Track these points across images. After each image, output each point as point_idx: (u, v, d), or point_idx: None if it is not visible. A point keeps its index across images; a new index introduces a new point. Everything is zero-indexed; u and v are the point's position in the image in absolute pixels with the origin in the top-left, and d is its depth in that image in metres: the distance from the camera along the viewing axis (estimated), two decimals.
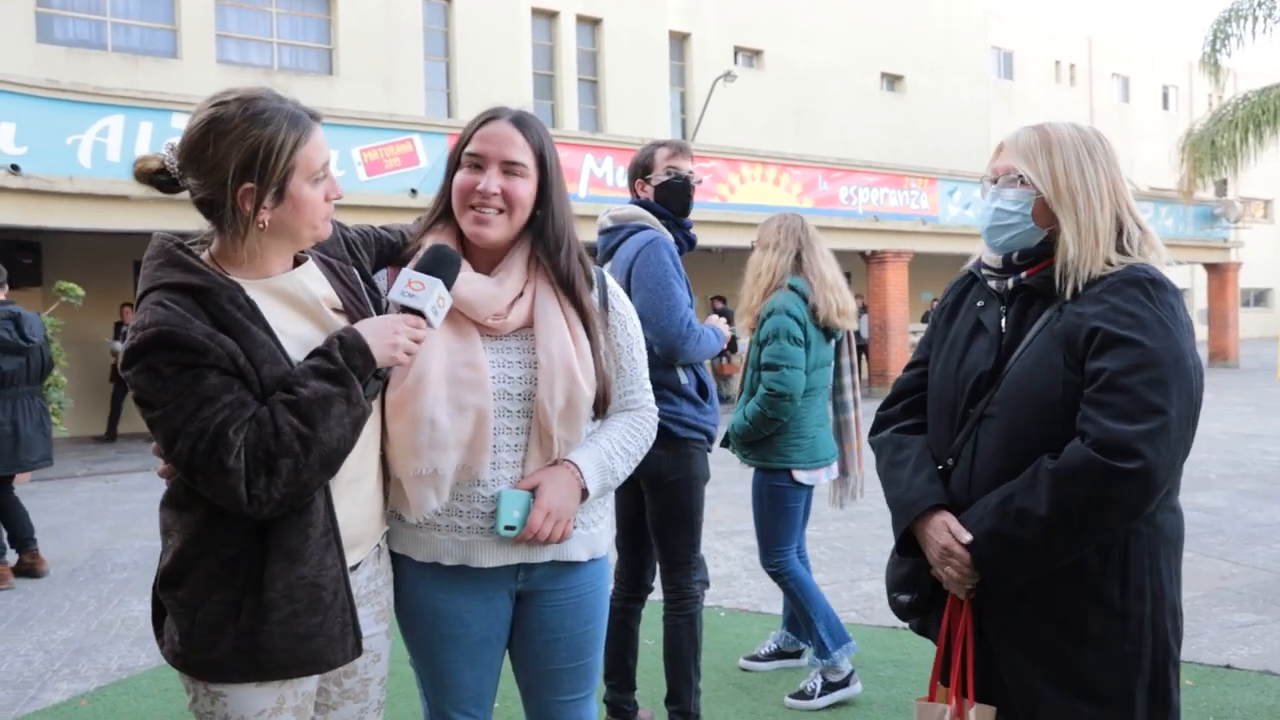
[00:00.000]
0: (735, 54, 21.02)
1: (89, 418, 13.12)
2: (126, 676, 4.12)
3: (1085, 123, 1.86)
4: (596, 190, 13.85)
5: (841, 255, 3.54)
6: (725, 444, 3.73)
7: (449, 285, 1.74)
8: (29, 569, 5.86)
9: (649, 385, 2.08)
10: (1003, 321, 1.85)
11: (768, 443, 3.59)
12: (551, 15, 18.83)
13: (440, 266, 1.74)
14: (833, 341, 3.71)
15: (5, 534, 5.82)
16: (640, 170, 3.28)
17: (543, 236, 1.90)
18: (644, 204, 3.23)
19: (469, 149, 1.87)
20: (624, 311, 2.04)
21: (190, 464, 1.52)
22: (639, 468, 2.85)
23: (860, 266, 18.02)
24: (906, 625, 2.05)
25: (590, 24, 19.40)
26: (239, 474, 1.51)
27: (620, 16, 19.40)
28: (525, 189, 1.86)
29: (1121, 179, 1.83)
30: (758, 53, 21.36)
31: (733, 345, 15.54)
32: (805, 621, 3.63)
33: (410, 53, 16.94)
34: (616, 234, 3.15)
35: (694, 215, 3.36)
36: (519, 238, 1.90)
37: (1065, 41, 33.01)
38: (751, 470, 3.73)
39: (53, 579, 5.86)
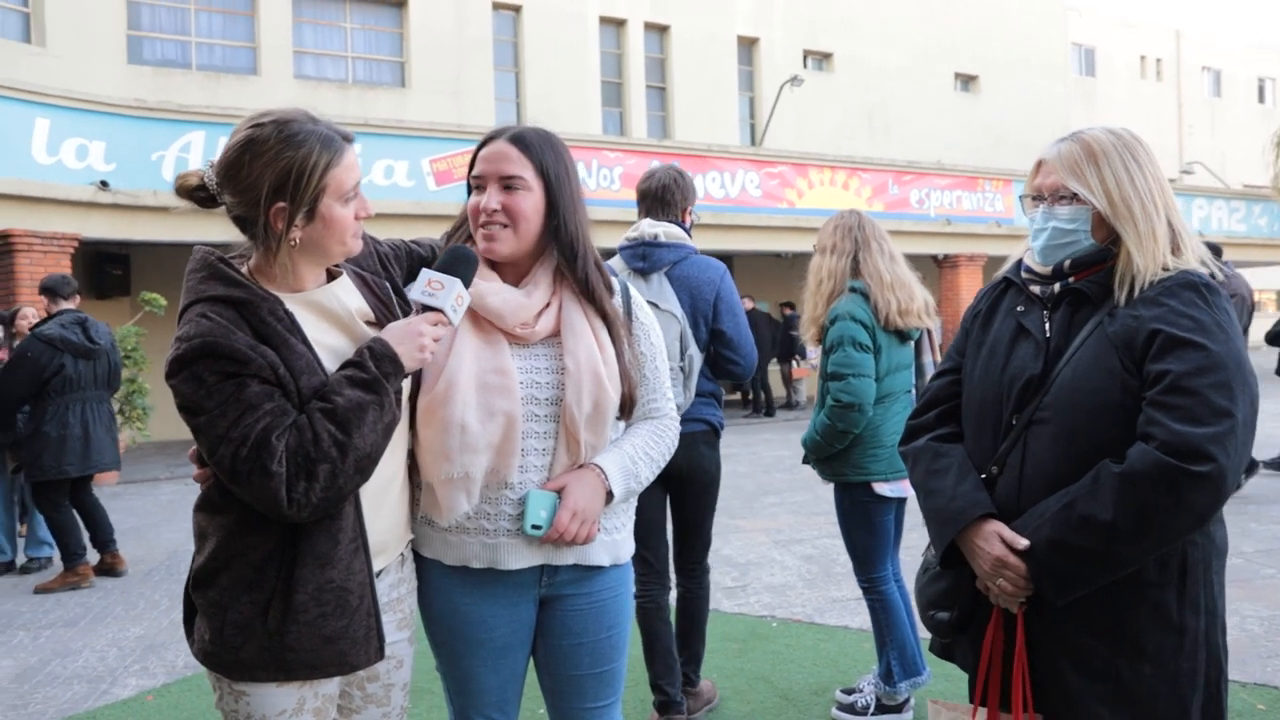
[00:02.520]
0: (805, 57, 20.83)
1: (172, 422, 13.61)
2: (191, 674, 4.25)
3: (1119, 125, 1.82)
4: None
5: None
6: (806, 461, 3.57)
7: (467, 284, 1.79)
8: (109, 568, 6.12)
9: (670, 394, 2.12)
10: (1047, 326, 1.81)
11: (843, 456, 3.35)
12: (620, 23, 18.94)
13: (458, 266, 1.80)
14: (910, 343, 3.47)
15: (87, 535, 6.08)
16: (692, 195, 3.55)
17: (558, 247, 1.94)
18: (687, 231, 3.48)
19: (473, 173, 1.94)
20: (647, 322, 2.08)
21: (233, 468, 1.57)
22: (695, 467, 3.30)
23: (933, 270, 17.68)
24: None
25: (658, 31, 19.45)
26: (281, 478, 1.56)
27: (688, 22, 19.41)
28: (526, 201, 1.89)
29: (1165, 178, 1.79)
30: (827, 56, 21.14)
31: (800, 349, 15.44)
32: (879, 642, 3.48)
33: (480, 64, 17.21)
34: (676, 250, 3.34)
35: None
36: (544, 252, 1.94)
37: (1151, 36, 31.89)
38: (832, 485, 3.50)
39: (130, 578, 6.10)
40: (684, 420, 3.20)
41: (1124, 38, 31.07)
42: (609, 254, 3.41)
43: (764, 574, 5.66)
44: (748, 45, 20.37)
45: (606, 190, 13.64)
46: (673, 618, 3.48)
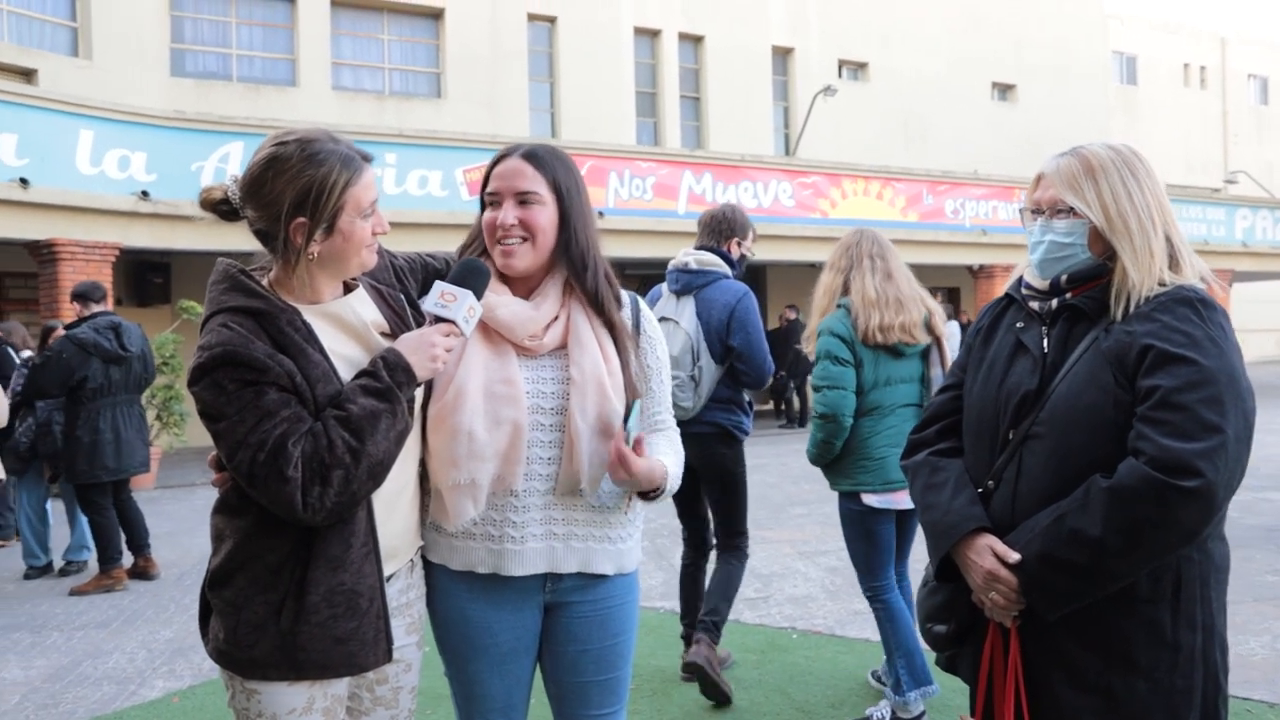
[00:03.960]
0: (840, 67, 20.77)
1: None
2: (216, 676, 4.31)
3: (1119, 140, 1.83)
4: (695, 207, 13.86)
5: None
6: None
7: (479, 296, 1.83)
8: (142, 572, 6.25)
9: (671, 407, 2.17)
10: (1045, 342, 1.81)
11: (836, 465, 3.51)
12: (654, 33, 19.02)
13: (471, 278, 1.84)
14: (908, 358, 3.47)
15: (124, 538, 6.21)
16: (740, 230, 4.02)
17: (568, 260, 1.98)
18: (728, 259, 3.95)
19: (487, 189, 1.98)
20: (655, 335, 2.12)
21: (251, 473, 1.62)
22: (711, 464, 3.85)
23: (968, 281, 17.52)
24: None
25: (693, 41, 19.51)
26: (296, 483, 1.61)
27: (723, 33, 19.44)
28: (543, 215, 1.94)
29: (1165, 195, 1.79)
30: (863, 65, 21.06)
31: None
32: (887, 653, 3.50)
33: (515, 74, 17.37)
34: (705, 275, 3.88)
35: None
36: (554, 265, 1.98)
37: (1195, 43, 31.33)
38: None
39: (163, 582, 6.23)
40: (697, 421, 3.77)
41: (1167, 45, 30.56)
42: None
43: (787, 585, 5.65)
44: (782, 55, 20.35)
45: (639, 200, 13.69)
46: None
